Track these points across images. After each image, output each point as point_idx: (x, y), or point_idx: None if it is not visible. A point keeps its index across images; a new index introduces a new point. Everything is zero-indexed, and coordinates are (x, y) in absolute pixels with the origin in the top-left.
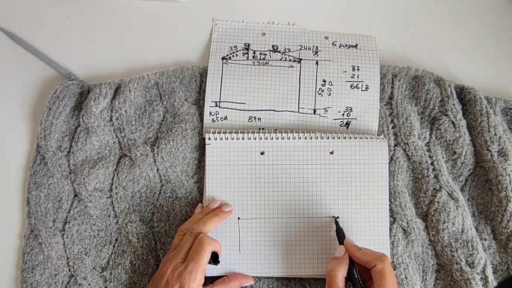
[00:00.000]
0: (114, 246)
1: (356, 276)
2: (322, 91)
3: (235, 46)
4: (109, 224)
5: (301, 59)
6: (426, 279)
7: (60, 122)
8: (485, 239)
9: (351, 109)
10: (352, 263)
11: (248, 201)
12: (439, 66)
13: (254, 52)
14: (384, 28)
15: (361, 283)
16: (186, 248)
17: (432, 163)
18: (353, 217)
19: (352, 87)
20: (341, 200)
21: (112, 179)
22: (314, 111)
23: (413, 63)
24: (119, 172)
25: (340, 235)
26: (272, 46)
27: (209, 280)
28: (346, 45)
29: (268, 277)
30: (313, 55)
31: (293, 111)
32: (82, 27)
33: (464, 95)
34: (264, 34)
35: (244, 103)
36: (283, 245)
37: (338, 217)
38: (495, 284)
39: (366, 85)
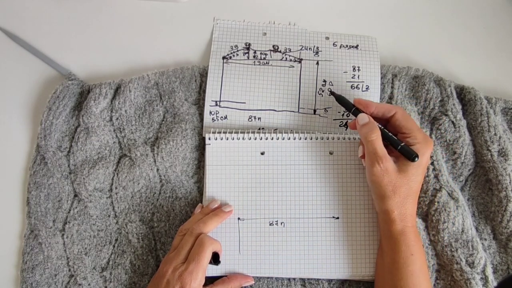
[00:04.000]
0: (114, 246)
1: (390, 134)
2: (322, 91)
3: (236, 46)
4: (109, 224)
5: (301, 59)
6: None
7: (60, 122)
8: (485, 239)
9: None
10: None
11: (248, 201)
12: (439, 66)
13: (254, 52)
14: (384, 28)
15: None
16: (186, 248)
17: (432, 163)
18: (353, 217)
19: (353, 87)
20: (341, 200)
21: (112, 179)
22: (314, 111)
23: (413, 63)
24: (119, 172)
25: (347, 103)
26: (273, 46)
27: (209, 280)
28: (346, 46)
29: (268, 277)
30: (314, 55)
31: (293, 111)
32: (82, 27)
33: (464, 95)
34: (265, 34)
35: (244, 103)
36: (283, 245)
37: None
38: (495, 284)
39: (366, 86)
